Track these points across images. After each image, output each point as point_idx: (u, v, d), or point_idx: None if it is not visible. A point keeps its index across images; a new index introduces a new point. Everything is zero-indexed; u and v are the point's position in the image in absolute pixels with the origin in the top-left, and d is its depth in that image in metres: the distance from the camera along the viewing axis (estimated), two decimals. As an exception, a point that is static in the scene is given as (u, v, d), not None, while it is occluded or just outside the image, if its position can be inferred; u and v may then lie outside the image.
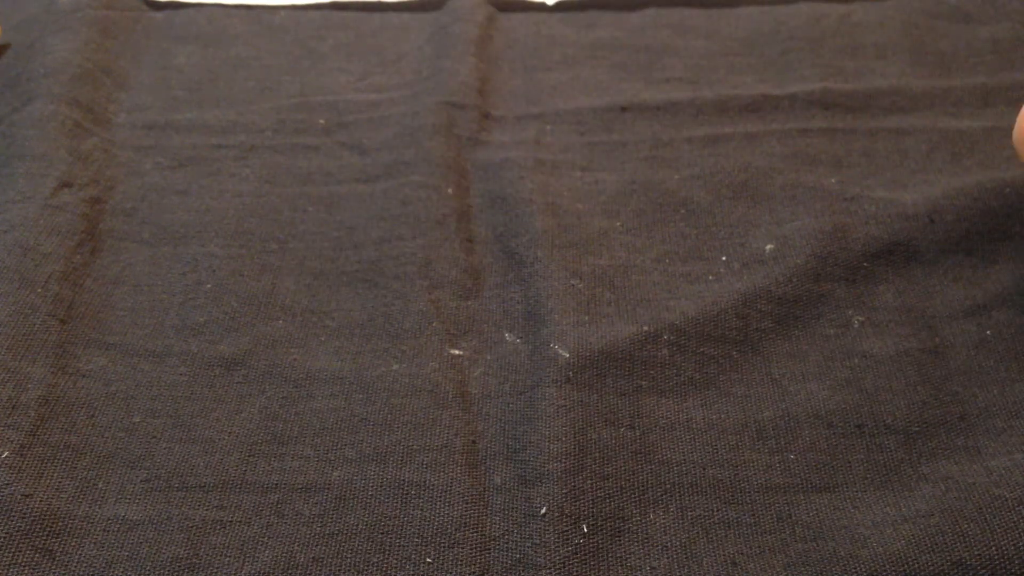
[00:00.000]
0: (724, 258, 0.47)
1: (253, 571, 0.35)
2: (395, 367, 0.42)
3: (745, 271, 0.46)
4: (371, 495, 0.37)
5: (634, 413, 0.40)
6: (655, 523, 0.37)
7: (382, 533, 0.36)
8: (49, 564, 0.35)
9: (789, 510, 0.37)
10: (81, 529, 0.36)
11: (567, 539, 0.36)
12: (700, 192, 0.50)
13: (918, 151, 0.52)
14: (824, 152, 0.52)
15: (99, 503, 0.37)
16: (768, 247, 0.47)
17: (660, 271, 0.46)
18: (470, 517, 0.37)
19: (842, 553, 0.35)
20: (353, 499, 0.37)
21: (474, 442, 0.39)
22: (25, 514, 0.36)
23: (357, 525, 0.36)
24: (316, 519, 0.37)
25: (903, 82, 0.55)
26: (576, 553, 0.36)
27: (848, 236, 0.47)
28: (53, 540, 0.35)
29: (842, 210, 0.48)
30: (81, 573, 0.35)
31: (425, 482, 0.38)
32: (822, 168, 0.51)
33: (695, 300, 0.44)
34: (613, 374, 0.41)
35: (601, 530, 0.36)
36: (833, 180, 0.50)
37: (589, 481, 0.37)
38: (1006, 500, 0.36)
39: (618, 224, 0.48)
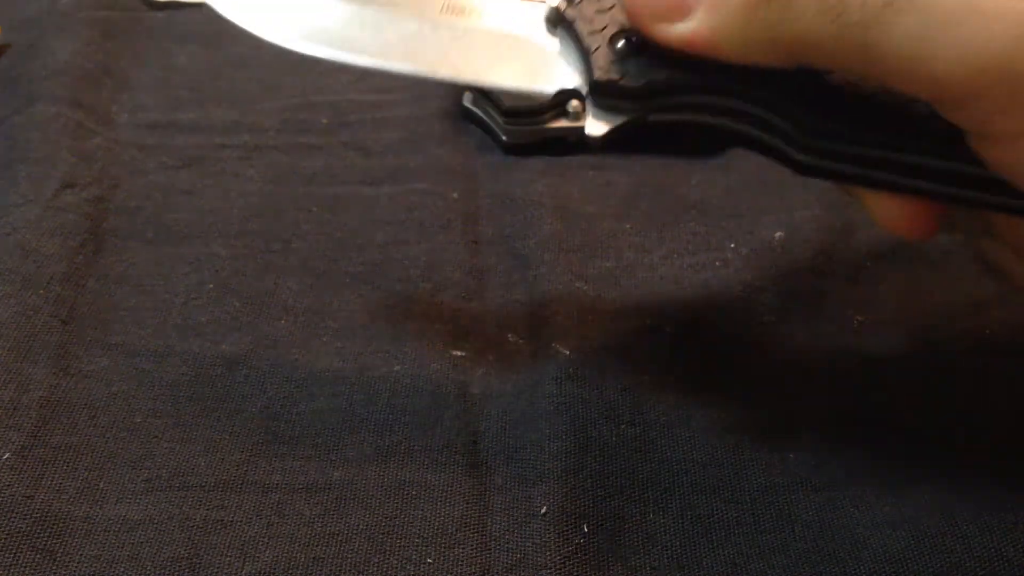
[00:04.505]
0: (732, 245, 0.47)
1: (254, 571, 0.35)
2: (397, 368, 0.42)
3: (753, 257, 0.46)
4: (372, 495, 0.37)
5: (635, 409, 0.40)
6: (655, 523, 0.37)
7: (383, 533, 0.36)
8: (50, 565, 0.35)
9: (789, 510, 0.37)
10: (82, 529, 0.36)
11: (568, 539, 0.36)
12: (712, 190, 0.50)
13: None
14: None
15: (100, 503, 0.37)
16: (777, 234, 0.46)
17: (668, 265, 0.46)
18: (471, 517, 0.37)
19: (842, 553, 0.35)
20: (354, 499, 0.37)
21: (475, 442, 0.39)
22: (26, 515, 0.36)
23: (358, 525, 0.36)
24: (317, 519, 0.37)
25: None
26: (577, 553, 0.35)
27: (854, 234, 0.46)
28: (54, 541, 0.35)
29: (849, 203, 0.48)
30: (82, 573, 0.35)
31: (426, 482, 0.38)
32: None
33: (700, 290, 0.44)
34: (614, 369, 0.41)
35: (602, 529, 0.36)
36: None
37: (590, 480, 0.37)
38: (1005, 501, 0.36)
39: (628, 227, 0.48)
